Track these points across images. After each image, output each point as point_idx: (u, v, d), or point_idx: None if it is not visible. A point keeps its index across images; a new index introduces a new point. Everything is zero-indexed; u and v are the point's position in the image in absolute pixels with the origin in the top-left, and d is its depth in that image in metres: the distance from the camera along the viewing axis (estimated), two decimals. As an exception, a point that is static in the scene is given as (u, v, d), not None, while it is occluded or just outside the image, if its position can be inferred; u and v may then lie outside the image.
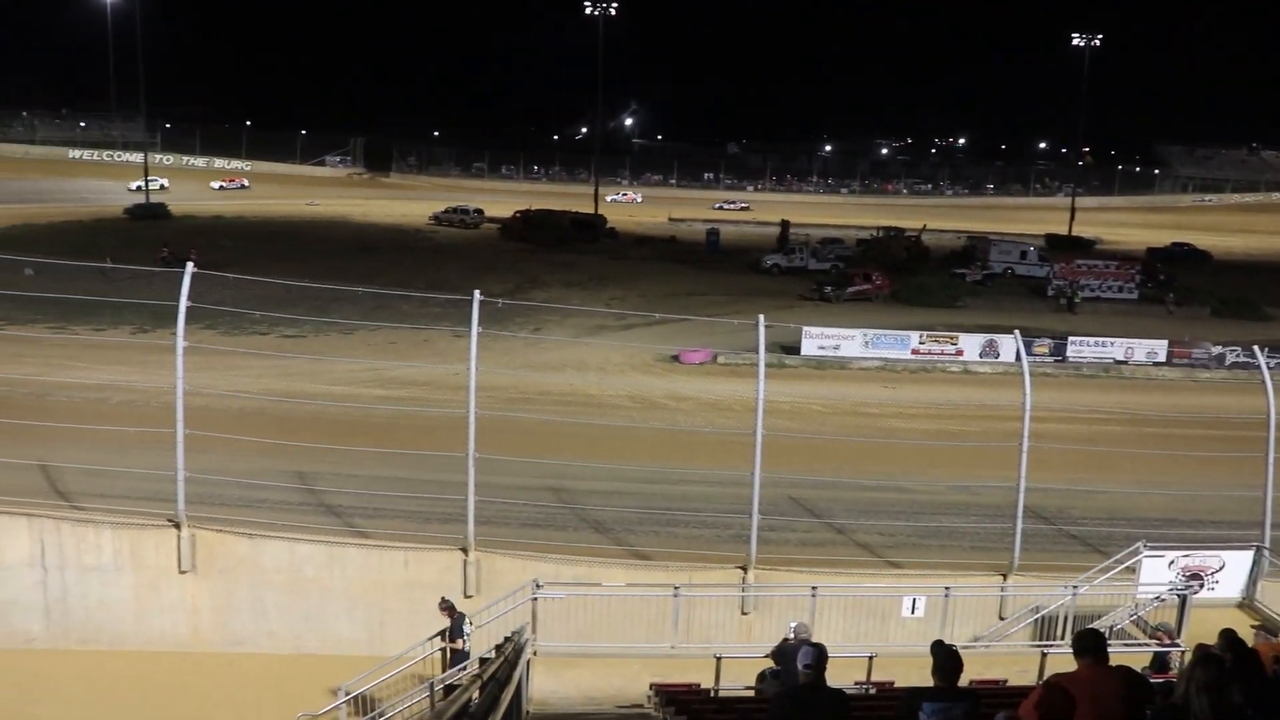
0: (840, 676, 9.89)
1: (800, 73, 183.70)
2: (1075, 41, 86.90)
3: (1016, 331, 20.97)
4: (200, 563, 16.76)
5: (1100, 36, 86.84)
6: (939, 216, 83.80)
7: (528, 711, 13.58)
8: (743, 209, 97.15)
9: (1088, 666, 6.96)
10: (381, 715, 14.54)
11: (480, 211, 77.24)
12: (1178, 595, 16.94)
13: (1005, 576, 17.85)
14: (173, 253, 45.98)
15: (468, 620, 15.20)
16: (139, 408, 24.56)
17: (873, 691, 13.28)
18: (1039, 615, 17.32)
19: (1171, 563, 17.93)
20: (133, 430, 19.16)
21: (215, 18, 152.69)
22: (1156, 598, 17.20)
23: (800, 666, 7.82)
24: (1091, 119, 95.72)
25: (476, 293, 16.78)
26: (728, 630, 16.88)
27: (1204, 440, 24.18)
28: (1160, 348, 38.19)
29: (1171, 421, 27.12)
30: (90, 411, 23.13)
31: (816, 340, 37.01)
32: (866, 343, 37.25)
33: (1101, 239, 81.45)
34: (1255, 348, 22.80)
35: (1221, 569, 18.24)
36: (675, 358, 35.74)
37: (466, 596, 16.74)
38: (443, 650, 14.99)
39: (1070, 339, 38.52)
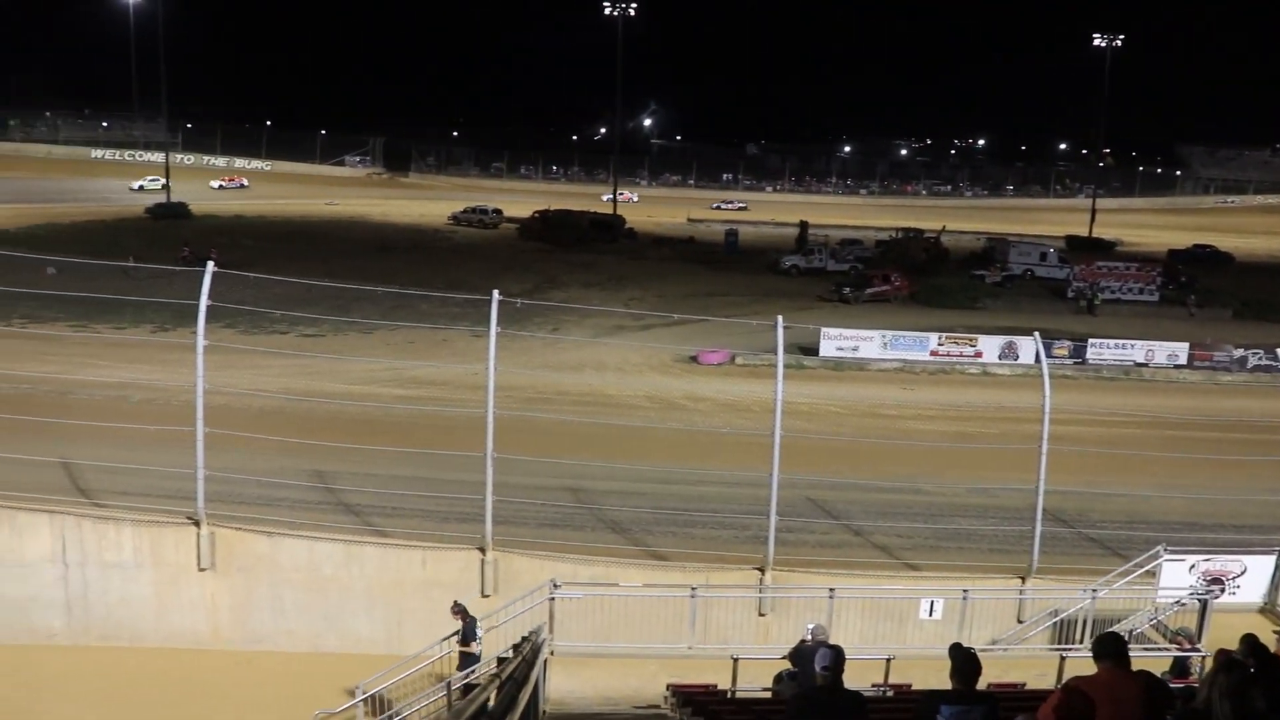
0: (858, 679, 9.88)
1: (819, 73, 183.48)
2: (1096, 42, 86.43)
3: (1036, 333, 20.87)
4: (220, 561, 16.85)
5: (1121, 37, 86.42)
6: (958, 218, 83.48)
7: (544, 711, 13.58)
8: (740, 209, 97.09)
9: (1108, 670, 6.91)
10: (399, 714, 14.59)
11: (499, 211, 77.42)
12: (1198, 600, 16.81)
13: (1024, 579, 17.77)
14: (193, 252, 46.36)
15: (479, 624, 15.26)
16: (160, 406, 24.74)
17: (890, 694, 13.26)
18: (1058, 619, 17.23)
19: (1192, 567, 17.81)
20: (153, 428, 19.27)
21: (236, 18, 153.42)
22: (1177, 602, 17.07)
23: (818, 668, 7.79)
24: (1112, 120, 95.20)
25: (495, 292, 16.81)
26: (745, 631, 16.86)
27: (1225, 443, 24.07)
28: (1181, 350, 37.89)
29: (1192, 424, 26.95)
30: (111, 410, 23.27)
31: (835, 341, 36.93)
32: (885, 344, 37.13)
33: (1122, 241, 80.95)
34: (1279, 350, 22.61)
35: (1243, 573, 18.09)
36: (693, 358, 35.72)
37: (484, 596, 16.79)
38: (461, 652, 15.06)
39: (1090, 341, 38.24)
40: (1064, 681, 8.48)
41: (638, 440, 24.19)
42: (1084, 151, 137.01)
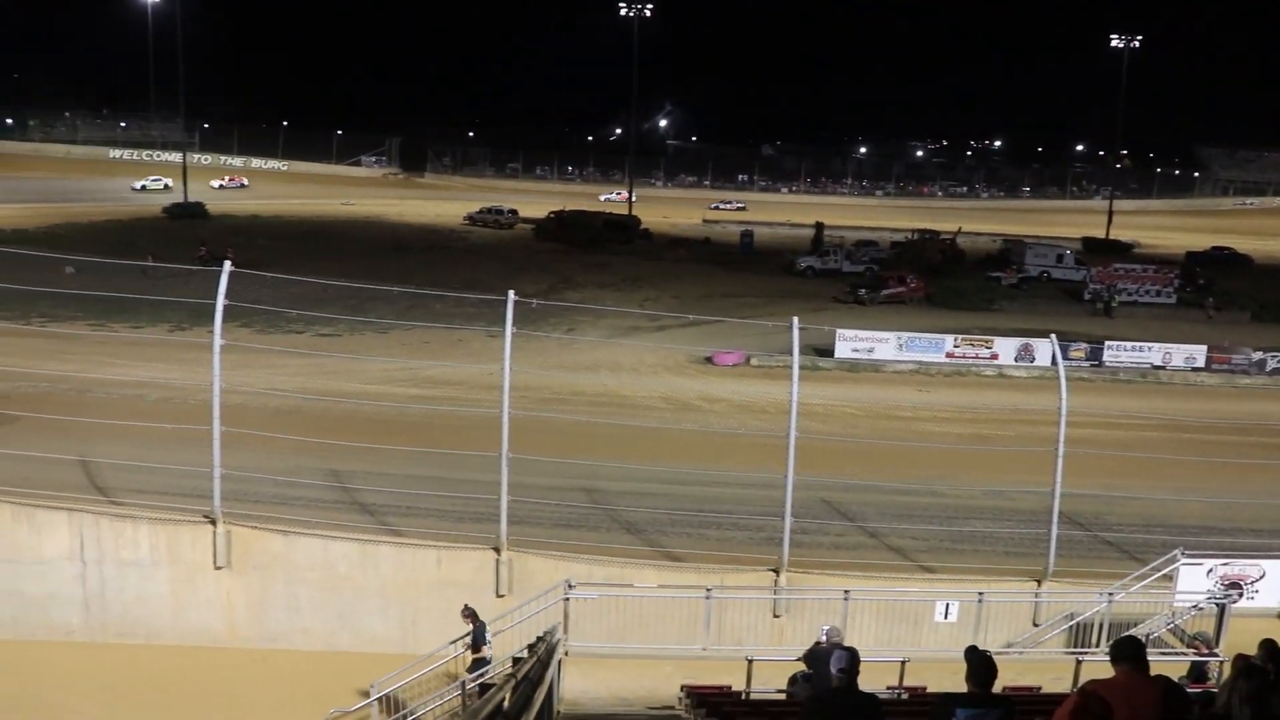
0: (872, 681, 9.86)
1: (834, 74, 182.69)
2: (1114, 43, 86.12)
3: (1053, 335, 20.79)
4: (235, 559, 16.92)
5: (1139, 38, 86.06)
6: (974, 219, 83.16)
7: (559, 711, 13.60)
8: (739, 209, 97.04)
9: (1125, 674, 6.88)
10: (412, 713, 14.62)
11: (514, 212, 77.57)
12: (1216, 604, 16.72)
13: (1040, 583, 17.69)
14: (210, 251, 46.61)
15: (488, 629, 15.30)
16: (176, 405, 24.89)
17: (905, 697, 13.23)
18: (1074, 622, 17.16)
19: (1210, 571, 17.70)
20: (170, 427, 19.41)
21: (254, 19, 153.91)
22: (1194, 606, 16.98)
23: (833, 670, 7.77)
24: (1130, 121, 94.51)
25: (511, 293, 16.83)
26: (759, 633, 16.84)
27: (1243, 447, 23.95)
28: (1199, 353, 37.69)
29: (1210, 428, 26.82)
30: (129, 408, 23.41)
31: (850, 343, 36.85)
32: (901, 345, 37.03)
33: (1139, 242, 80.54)
34: (1297, 353, 22.49)
35: (1262, 578, 17.97)
36: (708, 359, 35.70)
37: (499, 596, 16.83)
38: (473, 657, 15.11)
39: (1107, 343, 38.07)
40: (1080, 685, 8.43)
41: (652, 441, 24.18)
42: (1101, 153, 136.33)
